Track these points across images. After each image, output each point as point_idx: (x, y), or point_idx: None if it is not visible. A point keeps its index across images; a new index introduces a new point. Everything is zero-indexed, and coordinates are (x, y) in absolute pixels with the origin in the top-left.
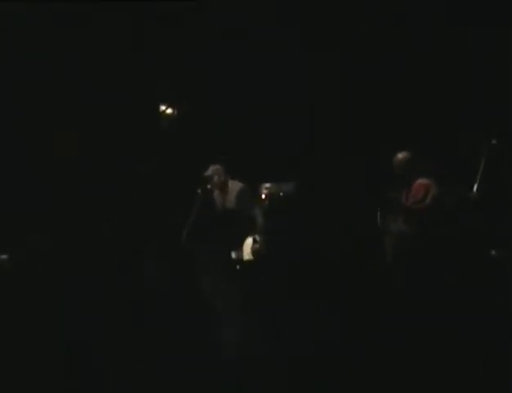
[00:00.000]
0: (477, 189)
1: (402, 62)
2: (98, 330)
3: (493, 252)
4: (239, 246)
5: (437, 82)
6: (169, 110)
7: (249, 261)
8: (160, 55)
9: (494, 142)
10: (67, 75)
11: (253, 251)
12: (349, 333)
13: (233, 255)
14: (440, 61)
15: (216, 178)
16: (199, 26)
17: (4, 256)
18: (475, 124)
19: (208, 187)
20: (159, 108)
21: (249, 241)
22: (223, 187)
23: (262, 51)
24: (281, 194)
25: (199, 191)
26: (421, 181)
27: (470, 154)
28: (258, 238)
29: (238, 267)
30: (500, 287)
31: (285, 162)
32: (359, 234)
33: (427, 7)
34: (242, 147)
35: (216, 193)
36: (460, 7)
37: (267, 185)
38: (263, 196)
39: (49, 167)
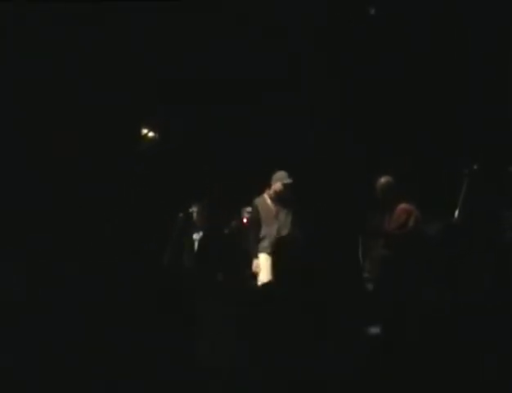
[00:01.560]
0: (458, 214)
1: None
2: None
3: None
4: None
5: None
6: (151, 134)
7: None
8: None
9: (475, 167)
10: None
11: None
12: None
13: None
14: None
15: None
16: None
17: None
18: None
19: (191, 210)
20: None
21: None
22: None
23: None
24: None
25: (180, 215)
26: (403, 206)
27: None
28: None
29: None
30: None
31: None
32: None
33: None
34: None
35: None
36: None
37: (249, 209)
38: (245, 221)
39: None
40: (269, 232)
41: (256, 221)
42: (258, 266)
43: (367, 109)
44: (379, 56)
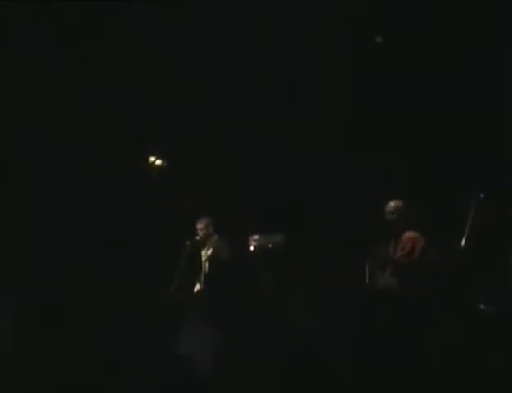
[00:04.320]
0: (465, 243)
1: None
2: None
3: (482, 306)
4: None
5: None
6: (159, 161)
7: None
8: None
9: (482, 195)
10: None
11: None
12: None
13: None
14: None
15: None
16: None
17: None
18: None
19: (197, 238)
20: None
21: None
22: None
23: None
24: (270, 246)
25: (187, 242)
26: (409, 233)
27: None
28: None
29: None
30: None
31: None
32: None
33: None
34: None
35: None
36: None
37: (256, 237)
38: (252, 249)
39: None
40: None
41: None
42: None
43: (375, 133)
44: (386, 80)
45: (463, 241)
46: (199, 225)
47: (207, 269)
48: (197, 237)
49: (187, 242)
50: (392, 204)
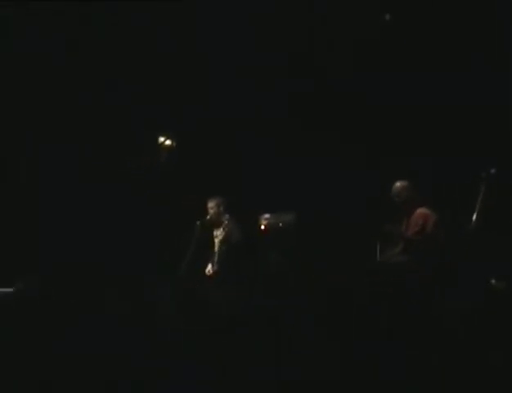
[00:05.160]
0: (476, 219)
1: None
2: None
3: (493, 281)
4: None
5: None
6: (168, 142)
7: None
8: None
9: (493, 171)
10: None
11: None
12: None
13: None
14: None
15: (213, 210)
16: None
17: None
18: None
19: (208, 218)
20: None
21: None
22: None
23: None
24: (280, 225)
25: (197, 222)
26: (420, 210)
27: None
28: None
29: None
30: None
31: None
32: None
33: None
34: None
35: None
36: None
37: (267, 216)
38: (262, 228)
39: None
40: None
41: None
42: None
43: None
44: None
45: (474, 218)
46: (210, 204)
47: (220, 250)
48: (208, 217)
49: (197, 222)
50: (398, 184)
